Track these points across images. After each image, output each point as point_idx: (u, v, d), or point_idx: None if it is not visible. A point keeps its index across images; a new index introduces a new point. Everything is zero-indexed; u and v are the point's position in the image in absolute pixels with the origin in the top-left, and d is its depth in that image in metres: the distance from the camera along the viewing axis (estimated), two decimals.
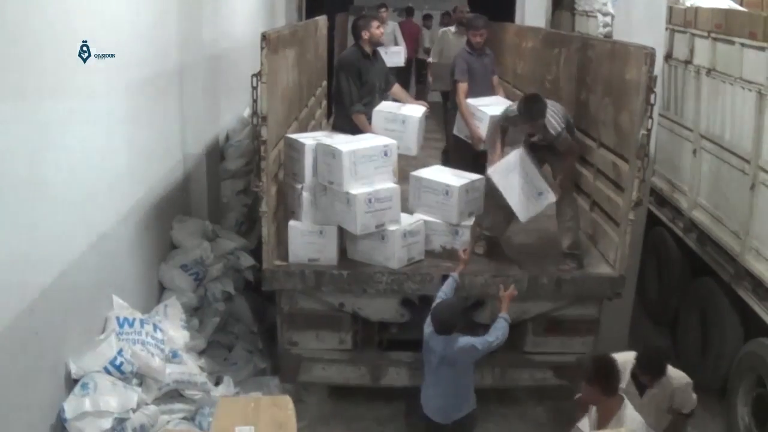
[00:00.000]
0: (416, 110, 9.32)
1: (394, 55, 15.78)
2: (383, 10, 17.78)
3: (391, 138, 8.62)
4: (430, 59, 15.87)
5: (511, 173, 8.42)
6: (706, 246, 9.81)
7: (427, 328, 7.32)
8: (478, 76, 10.72)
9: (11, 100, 5.35)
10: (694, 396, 6.99)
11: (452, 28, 14.97)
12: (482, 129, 9.81)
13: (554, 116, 8.35)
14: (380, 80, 9.81)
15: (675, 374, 6.88)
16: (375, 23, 9.60)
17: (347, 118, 9.35)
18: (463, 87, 10.45)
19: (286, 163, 8.79)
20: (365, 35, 9.55)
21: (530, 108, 8.28)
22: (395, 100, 9.87)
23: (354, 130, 9.10)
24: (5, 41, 5.26)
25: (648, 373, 6.72)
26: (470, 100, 10.22)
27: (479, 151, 10.03)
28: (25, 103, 5.54)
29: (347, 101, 9.37)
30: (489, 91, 10.75)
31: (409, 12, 22.05)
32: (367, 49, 9.62)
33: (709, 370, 9.52)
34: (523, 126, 8.55)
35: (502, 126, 8.83)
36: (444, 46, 14.68)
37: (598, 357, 6.47)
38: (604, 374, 6.13)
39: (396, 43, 18.34)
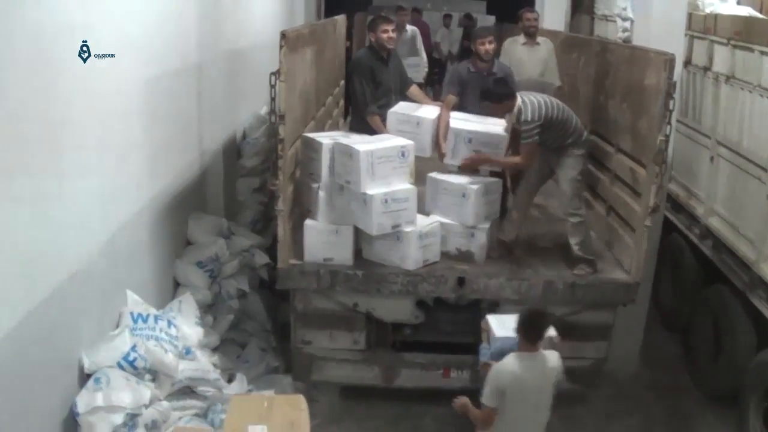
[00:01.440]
0: (432, 111, 9.29)
1: (412, 69, 13.56)
2: (402, 12, 15.96)
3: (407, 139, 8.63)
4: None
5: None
6: (721, 253, 9.78)
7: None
8: (473, 95, 9.62)
9: (29, 96, 5.35)
10: None
11: (520, 38, 11.80)
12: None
13: (534, 107, 8.38)
14: (395, 81, 9.80)
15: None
16: (383, 26, 9.53)
17: (363, 119, 9.34)
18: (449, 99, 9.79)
19: (302, 162, 8.80)
20: (372, 37, 9.60)
21: (496, 88, 8.64)
22: (413, 101, 9.81)
23: (370, 131, 9.10)
24: (24, 38, 5.27)
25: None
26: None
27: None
28: (42, 100, 5.55)
29: (361, 103, 9.37)
30: (484, 111, 9.49)
31: (416, 9, 21.26)
32: (380, 50, 9.60)
33: (721, 378, 9.50)
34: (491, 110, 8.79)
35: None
36: (513, 61, 11.23)
37: (532, 309, 6.70)
38: (530, 324, 6.41)
39: (416, 52, 16.09)
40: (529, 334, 6.41)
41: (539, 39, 11.67)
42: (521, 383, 6.35)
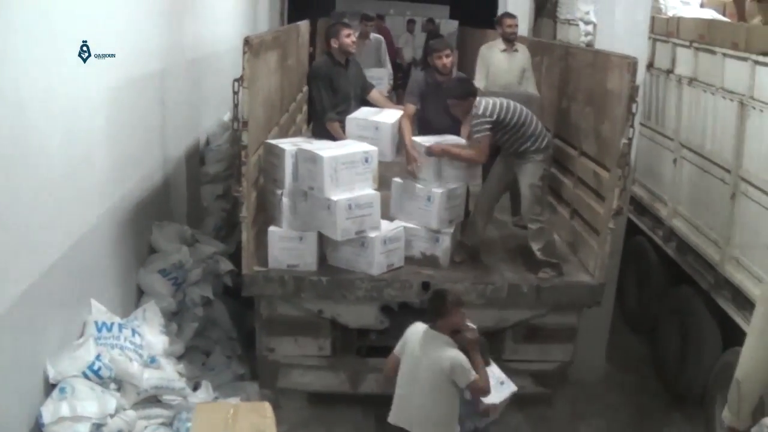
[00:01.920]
0: (392, 115, 9.28)
1: (377, 81, 12.56)
2: (369, 23, 15.41)
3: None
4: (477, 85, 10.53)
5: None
6: (685, 255, 9.83)
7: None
8: (430, 107, 9.67)
9: None
10: None
11: (499, 44, 11.53)
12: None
13: (491, 107, 8.43)
14: (355, 87, 9.79)
15: None
16: (345, 31, 9.53)
17: (324, 126, 9.31)
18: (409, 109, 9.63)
19: (266, 169, 8.77)
20: (334, 44, 9.52)
21: (456, 88, 8.69)
22: (374, 105, 9.81)
23: (332, 137, 9.08)
24: None
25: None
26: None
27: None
28: (3, 104, 5.51)
29: (320, 110, 9.35)
30: (445, 121, 9.50)
31: (379, 16, 20.93)
32: (339, 56, 9.57)
33: (688, 379, 9.55)
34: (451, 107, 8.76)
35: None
36: (491, 68, 11.46)
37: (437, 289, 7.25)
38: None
39: (380, 63, 15.39)
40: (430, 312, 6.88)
41: (517, 45, 11.47)
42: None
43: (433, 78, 9.58)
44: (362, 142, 8.57)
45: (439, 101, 9.18)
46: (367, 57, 14.18)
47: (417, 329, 6.96)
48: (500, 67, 11.27)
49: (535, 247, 8.61)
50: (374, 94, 10.00)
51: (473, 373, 6.63)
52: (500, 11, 17.69)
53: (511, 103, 8.60)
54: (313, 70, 9.86)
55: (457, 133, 9.16)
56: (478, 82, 10.90)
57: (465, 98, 8.46)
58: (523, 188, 8.64)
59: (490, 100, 8.43)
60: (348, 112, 9.33)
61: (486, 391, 6.83)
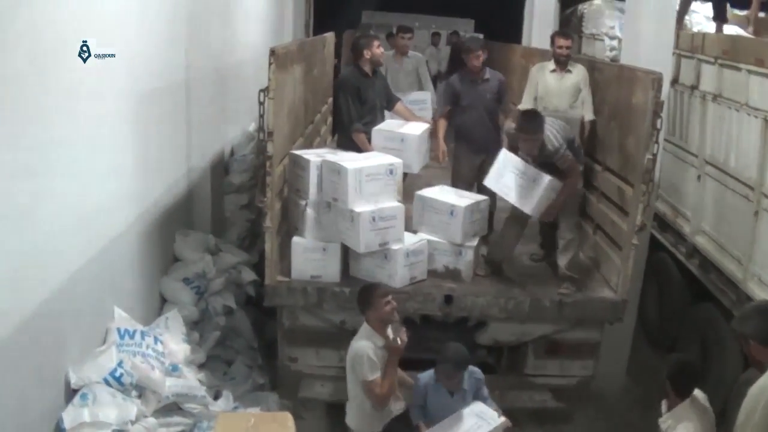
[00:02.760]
0: (417, 128, 9.33)
1: (417, 106, 11.55)
2: (406, 35, 13.54)
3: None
4: (519, 106, 10.61)
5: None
6: (708, 272, 9.80)
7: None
8: (472, 104, 10.01)
9: (17, 108, 5.35)
10: None
11: (549, 65, 10.57)
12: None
13: (554, 133, 8.37)
14: (381, 99, 9.81)
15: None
16: (377, 42, 9.58)
17: (349, 137, 9.34)
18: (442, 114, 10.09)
19: (290, 179, 8.79)
20: (366, 54, 9.49)
21: (528, 123, 8.35)
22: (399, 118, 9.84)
23: (357, 148, 9.13)
24: (14, 50, 5.27)
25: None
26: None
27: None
28: (31, 112, 5.54)
29: (346, 121, 9.37)
30: (483, 120, 9.96)
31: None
32: (367, 68, 9.56)
33: (708, 397, 9.50)
34: (522, 142, 8.48)
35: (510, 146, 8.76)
36: (541, 90, 10.58)
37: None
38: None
39: (420, 85, 13.51)
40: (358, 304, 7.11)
41: (571, 66, 10.36)
42: None
43: (468, 76, 9.90)
44: (387, 155, 8.59)
45: (472, 98, 9.70)
46: (406, 77, 13.42)
47: None
48: (550, 89, 10.43)
49: (563, 259, 8.61)
50: (399, 107, 10.00)
51: (372, 373, 6.75)
52: (525, 27, 17.79)
53: (557, 122, 8.66)
54: (340, 81, 9.88)
55: (494, 128, 9.69)
56: (523, 103, 10.51)
57: (536, 133, 8.29)
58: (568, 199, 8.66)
59: (550, 129, 8.40)
60: (374, 123, 9.37)
61: (380, 400, 6.92)
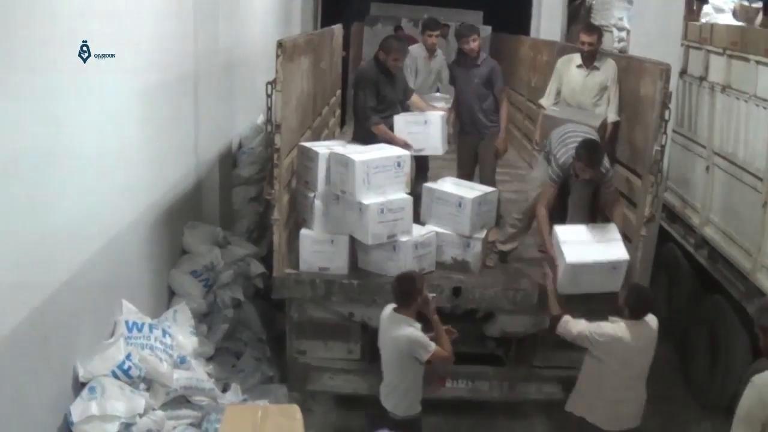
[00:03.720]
0: (437, 111, 9.44)
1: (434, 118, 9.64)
2: (433, 33, 12.30)
3: (417, 140, 8.85)
4: (543, 105, 10.17)
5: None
6: (716, 263, 9.78)
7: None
8: (462, 88, 10.42)
9: (25, 100, 5.36)
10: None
11: (576, 58, 9.75)
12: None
13: (602, 158, 8.27)
14: (400, 95, 9.72)
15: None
16: (393, 56, 9.27)
17: (366, 130, 9.27)
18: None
19: (299, 172, 8.80)
20: (381, 56, 9.36)
21: (592, 155, 8.10)
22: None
23: (372, 141, 9.02)
24: (19, 41, 5.28)
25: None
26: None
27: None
28: (39, 104, 5.56)
29: (362, 114, 9.30)
30: (476, 104, 10.24)
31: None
32: (385, 67, 9.41)
33: (717, 388, 9.49)
34: (580, 171, 8.24)
35: (556, 180, 8.53)
36: (564, 86, 9.90)
37: None
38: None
39: (438, 88, 13.06)
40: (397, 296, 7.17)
41: (599, 62, 9.56)
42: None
43: (463, 62, 10.18)
44: (410, 140, 8.90)
45: (466, 81, 10.07)
46: (428, 79, 12.95)
47: (386, 311, 7.26)
48: (574, 85, 9.74)
49: None
50: (414, 98, 9.92)
51: (432, 345, 6.88)
52: (534, 18, 17.74)
53: (582, 130, 8.65)
54: (359, 74, 9.77)
55: (483, 111, 9.97)
56: (545, 99, 10.11)
57: (597, 165, 8.11)
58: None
59: (599, 149, 8.26)
60: (392, 119, 9.33)
61: (449, 360, 7.09)
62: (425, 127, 9.00)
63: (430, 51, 12.63)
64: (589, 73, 9.57)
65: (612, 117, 9.33)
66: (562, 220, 8.72)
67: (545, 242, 8.35)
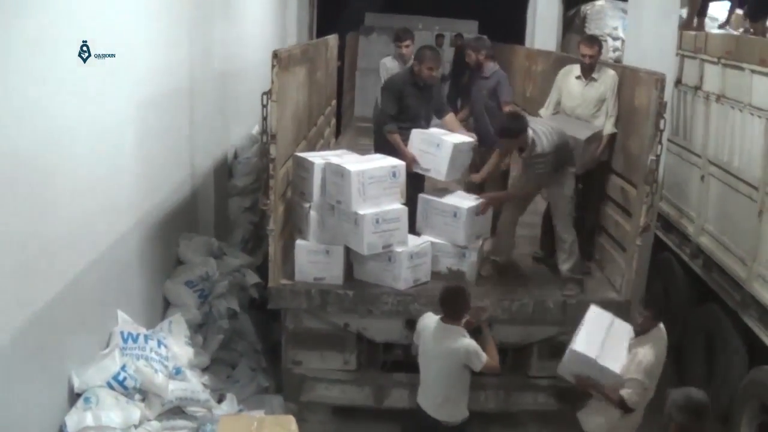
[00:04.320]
0: (457, 138, 9.15)
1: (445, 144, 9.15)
2: (402, 44, 11.60)
3: (426, 160, 8.83)
4: (541, 115, 10.12)
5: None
6: (712, 272, 9.79)
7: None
8: (473, 100, 10.76)
9: (19, 108, 5.36)
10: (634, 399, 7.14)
11: (576, 69, 9.71)
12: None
13: (546, 137, 8.39)
14: (426, 110, 9.65)
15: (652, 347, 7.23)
16: (427, 64, 9.24)
17: (381, 137, 9.32)
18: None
19: (294, 182, 8.80)
20: (415, 66, 9.36)
21: (510, 124, 8.47)
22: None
23: (392, 150, 9.05)
24: (19, 52, 5.28)
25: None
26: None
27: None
28: (34, 114, 5.55)
29: (381, 120, 9.36)
30: (483, 117, 10.52)
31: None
32: (418, 78, 9.35)
33: (713, 397, 9.48)
34: (509, 143, 8.57)
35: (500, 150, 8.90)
36: (564, 96, 9.84)
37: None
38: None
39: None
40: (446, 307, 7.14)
41: (597, 74, 9.46)
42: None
43: (473, 74, 10.91)
44: (419, 157, 8.86)
45: (477, 94, 10.64)
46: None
47: (428, 321, 7.24)
48: (572, 96, 9.68)
49: (565, 267, 8.65)
50: (448, 119, 9.82)
51: (484, 355, 6.95)
52: (528, 27, 17.78)
53: (553, 126, 8.73)
54: (387, 80, 9.81)
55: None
56: (544, 109, 10.10)
57: (517, 136, 8.34)
58: (559, 200, 8.72)
59: (544, 131, 8.42)
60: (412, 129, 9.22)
61: (497, 368, 7.24)
62: (437, 149, 8.90)
63: (404, 61, 12.34)
64: (587, 85, 9.54)
65: (609, 129, 9.30)
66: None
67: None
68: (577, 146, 8.86)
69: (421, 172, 9.07)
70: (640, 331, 7.30)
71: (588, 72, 9.48)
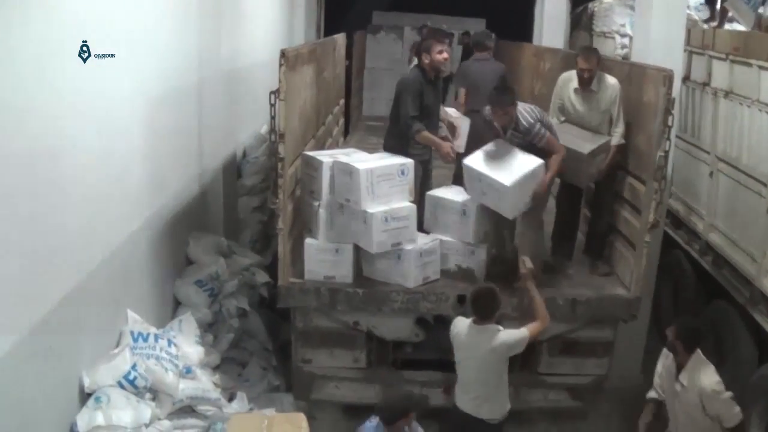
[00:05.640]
0: (520, 168, 8.47)
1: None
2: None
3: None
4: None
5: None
6: (721, 269, 9.78)
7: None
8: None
9: (28, 114, 5.37)
10: (737, 409, 6.83)
11: (574, 79, 9.33)
12: None
13: (528, 111, 8.42)
14: (437, 104, 9.61)
15: (706, 373, 6.92)
16: (437, 47, 9.03)
17: (398, 138, 9.10)
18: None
19: (303, 181, 8.80)
20: (425, 59, 9.14)
21: (500, 95, 8.44)
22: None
23: (404, 150, 8.93)
24: (25, 53, 5.29)
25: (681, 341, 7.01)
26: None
27: None
28: (42, 115, 5.56)
29: (403, 122, 8.97)
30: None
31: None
32: (429, 73, 9.17)
33: None
34: (495, 117, 8.47)
35: (481, 129, 8.90)
36: (568, 107, 9.49)
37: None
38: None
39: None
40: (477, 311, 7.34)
41: (597, 86, 9.09)
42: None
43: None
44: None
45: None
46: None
47: (461, 326, 7.41)
48: (573, 109, 9.40)
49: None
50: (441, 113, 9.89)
51: (524, 332, 7.23)
52: (536, 25, 17.72)
53: (523, 103, 8.73)
54: (404, 82, 9.31)
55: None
56: (550, 115, 9.51)
57: (507, 105, 8.31)
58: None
59: (524, 106, 8.48)
60: (429, 127, 9.07)
61: (546, 320, 7.52)
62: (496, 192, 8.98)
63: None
64: (586, 98, 9.21)
65: (616, 140, 8.99)
66: (572, 231, 8.88)
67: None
68: (580, 159, 8.77)
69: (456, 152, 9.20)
70: (681, 364, 7.07)
71: (586, 85, 9.14)
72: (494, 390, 7.32)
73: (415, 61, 10.68)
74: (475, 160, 8.41)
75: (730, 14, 13.54)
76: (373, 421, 7.00)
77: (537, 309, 7.48)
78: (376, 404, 7.26)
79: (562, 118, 9.50)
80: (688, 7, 12.25)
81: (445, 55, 9.09)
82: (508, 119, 8.38)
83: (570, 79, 9.40)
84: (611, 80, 9.07)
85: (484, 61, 11.75)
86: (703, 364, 6.92)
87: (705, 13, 14.34)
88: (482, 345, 7.14)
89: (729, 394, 6.80)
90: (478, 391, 7.29)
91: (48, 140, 5.65)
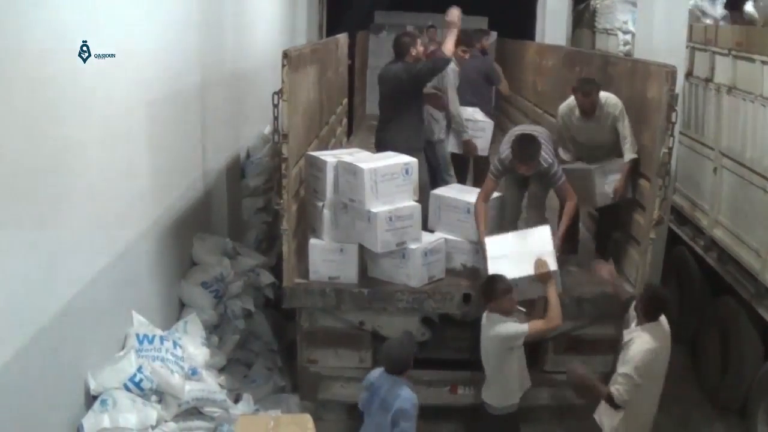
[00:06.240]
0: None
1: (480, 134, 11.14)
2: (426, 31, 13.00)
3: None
4: (563, 158, 9.46)
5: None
6: (726, 264, 9.76)
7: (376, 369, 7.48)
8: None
9: (32, 115, 5.37)
10: (627, 387, 7.03)
11: (575, 108, 9.22)
12: None
13: (545, 148, 8.44)
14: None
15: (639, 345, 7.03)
16: (419, 41, 9.62)
17: (397, 132, 9.43)
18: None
19: (307, 181, 8.80)
20: (413, 52, 9.47)
21: (525, 150, 8.27)
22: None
23: (408, 144, 9.12)
24: (27, 58, 5.29)
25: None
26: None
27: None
28: (45, 119, 5.56)
29: (434, 67, 9.58)
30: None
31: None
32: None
33: (729, 390, 9.48)
34: (519, 168, 8.43)
35: (497, 175, 8.72)
36: (575, 134, 9.46)
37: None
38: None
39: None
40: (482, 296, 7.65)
41: (599, 111, 8.98)
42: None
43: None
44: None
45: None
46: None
47: (484, 318, 7.56)
48: (579, 138, 9.41)
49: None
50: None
51: (523, 329, 7.35)
52: (538, 24, 17.71)
53: (535, 131, 8.96)
54: (403, 67, 9.67)
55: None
56: (562, 152, 9.52)
57: (532, 160, 8.30)
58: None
59: (543, 145, 8.47)
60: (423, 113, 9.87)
61: (559, 321, 7.59)
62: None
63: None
64: (590, 123, 9.13)
65: (629, 155, 8.85)
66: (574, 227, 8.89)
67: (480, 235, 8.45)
68: (587, 177, 8.90)
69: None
70: (638, 324, 7.21)
71: (590, 114, 9.03)
72: (493, 377, 7.53)
73: None
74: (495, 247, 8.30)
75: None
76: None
77: (550, 309, 7.55)
78: (379, 355, 7.48)
79: (570, 153, 9.54)
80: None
81: (418, 48, 9.62)
82: (532, 170, 8.45)
83: (571, 110, 9.32)
84: (612, 99, 9.00)
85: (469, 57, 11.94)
86: (646, 336, 7.03)
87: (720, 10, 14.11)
88: (485, 331, 7.40)
89: (632, 373, 6.96)
90: (486, 372, 7.59)
91: (52, 145, 5.65)
